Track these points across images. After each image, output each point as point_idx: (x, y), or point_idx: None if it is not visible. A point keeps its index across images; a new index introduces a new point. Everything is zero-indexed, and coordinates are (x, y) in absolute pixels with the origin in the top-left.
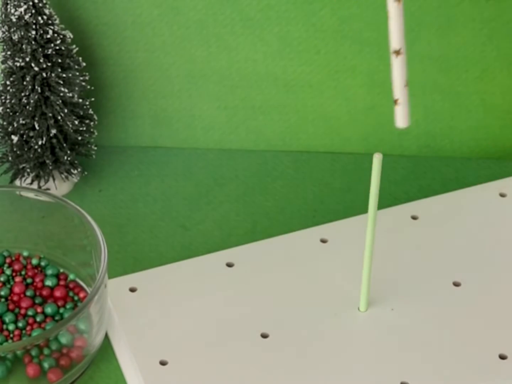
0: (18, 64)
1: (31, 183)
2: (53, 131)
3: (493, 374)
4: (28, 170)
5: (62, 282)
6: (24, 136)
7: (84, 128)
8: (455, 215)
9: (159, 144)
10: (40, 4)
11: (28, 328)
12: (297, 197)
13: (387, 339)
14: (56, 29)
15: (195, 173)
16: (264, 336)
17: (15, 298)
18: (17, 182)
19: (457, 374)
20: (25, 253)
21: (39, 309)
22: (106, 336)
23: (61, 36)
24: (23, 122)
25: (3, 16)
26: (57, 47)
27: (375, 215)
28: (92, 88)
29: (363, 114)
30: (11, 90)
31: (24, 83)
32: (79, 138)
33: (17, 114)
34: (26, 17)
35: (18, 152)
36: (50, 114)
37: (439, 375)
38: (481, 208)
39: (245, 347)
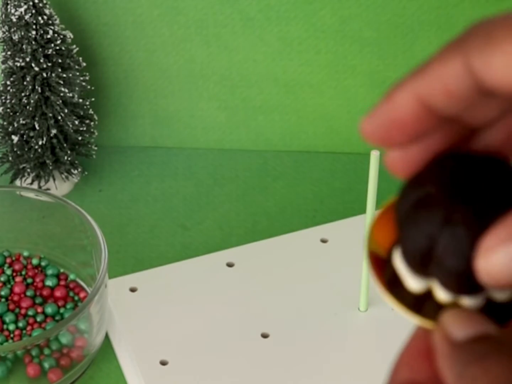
0: (18, 64)
1: (31, 183)
2: (54, 131)
3: None
4: (29, 170)
5: (62, 282)
6: (25, 136)
7: (84, 128)
8: None
9: (159, 144)
10: (40, 4)
11: (29, 328)
12: (297, 197)
13: (387, 338)
14: (56, 29)
15: (195, 173)
16: (264, 336)
17: (16, 298)
18: (18, 182)
19: None
20: (26, 253)
21: (39, 309)
22: (107, 336)
23: (62, 36)
24: (24, 122)
25: (3, 16)
26: (58, 47)
27: (373, 213)
28: (93, 88)
29: (363, 114)
30: (11, 90)
31: (25, 83)
32: (79, 138)
33: (18, 114)
34: (27, 17)
35: (18, 152)
36: (51, 114)
37: None
38: None
39: (245, 347)
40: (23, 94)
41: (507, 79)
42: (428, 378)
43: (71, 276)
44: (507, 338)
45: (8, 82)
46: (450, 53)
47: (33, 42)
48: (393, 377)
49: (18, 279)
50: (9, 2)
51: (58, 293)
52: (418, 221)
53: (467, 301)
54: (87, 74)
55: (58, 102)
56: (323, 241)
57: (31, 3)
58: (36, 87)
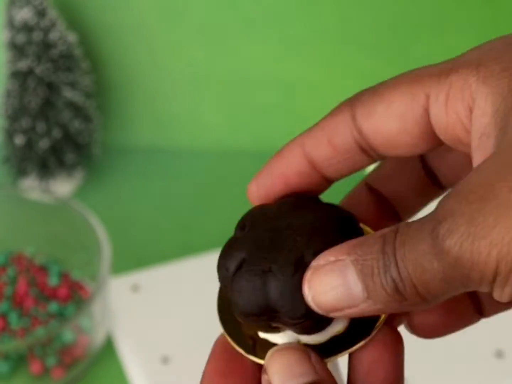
0: (22, 66)
1: (35, 184)
2: (57, 133)
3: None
4: (32, 171)
5: (65, 281)
6: (28, 138)
7: (87, 130)
8: None
9: (161, 145)
10: (44, 7)
11: (32, 326)
12: None
13: None
14: (60, 32)
15: (196, 174)
16: None
17: (19, 297)
18: (21, 183)
19: (456, 372)
20: (29, 253)
21: (42, 308)
22: (109, 334)
23: (65, 39)
24: (27, 123)
25: (7, 19)
26: (61, 50)
27: None
28: (96, 90)
29: None
30: (15, 92)
31: (28, 85)
32: (82, 139)
33: (21, 116)
34: (30, 20)
35: (22, 153)
36: (54, 116)
37: (441, 374)
38: None
39: None
40: (26, 96)
41: (386, 128)
42: None
43: (74, 275)
44: None
45: (12, 85)
46: (340, 109)
47: (37, 45)
48: None
49: (21, 278)
50: (13, 5)
51: (61, 292)
52: (242, 289)
53: (308, 339)
54: (90, 76)
55: (61, 104)
56: None
57: (35, 7)
58: (40, 89)
